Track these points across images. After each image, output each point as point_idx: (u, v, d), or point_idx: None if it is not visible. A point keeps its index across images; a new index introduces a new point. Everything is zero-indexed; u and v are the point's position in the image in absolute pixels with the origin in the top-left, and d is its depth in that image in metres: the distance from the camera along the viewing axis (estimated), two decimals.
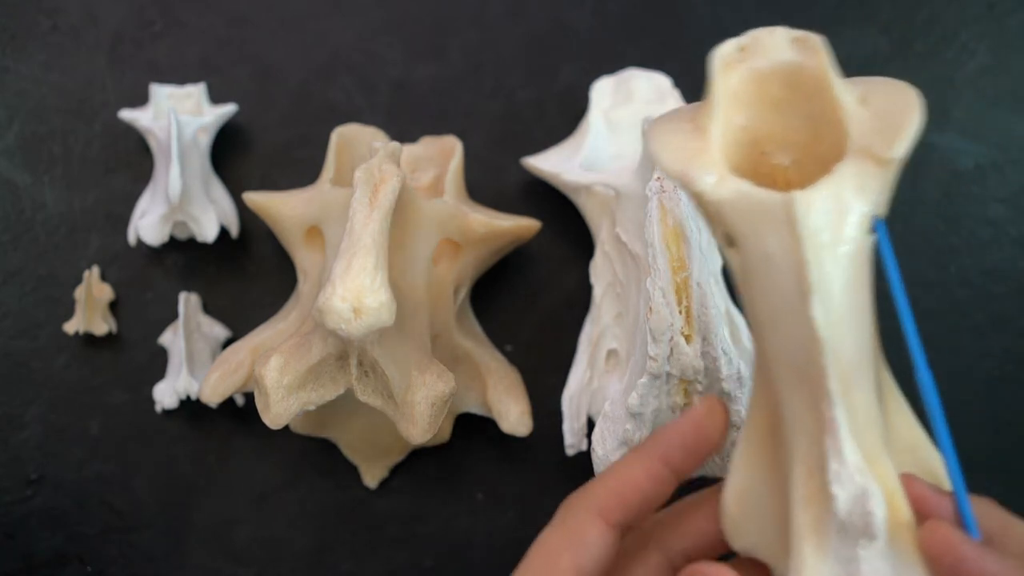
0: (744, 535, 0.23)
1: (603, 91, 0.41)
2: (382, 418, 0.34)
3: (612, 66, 0.42)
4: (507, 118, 0.43)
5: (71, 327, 0.40)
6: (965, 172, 0.42)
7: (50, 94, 0.43)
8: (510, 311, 0.41)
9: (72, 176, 0.42)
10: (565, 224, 0.41)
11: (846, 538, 0.21)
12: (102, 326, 0.40)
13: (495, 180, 0.42)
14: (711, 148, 0.24)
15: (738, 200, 0.23)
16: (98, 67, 0.43)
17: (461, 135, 0.40)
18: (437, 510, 0.40)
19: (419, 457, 0.40)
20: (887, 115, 0.23)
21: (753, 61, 0.25)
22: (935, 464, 0.24)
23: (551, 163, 0.40)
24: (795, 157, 0.25)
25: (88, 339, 0.41)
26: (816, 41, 0.24)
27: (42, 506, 0.40)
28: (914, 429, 0.24)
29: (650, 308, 0.31)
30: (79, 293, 0.40)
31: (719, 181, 0.23)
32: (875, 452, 0.21)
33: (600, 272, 0.37)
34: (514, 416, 0.36)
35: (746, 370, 0.35)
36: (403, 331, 0.32)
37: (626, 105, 0.40)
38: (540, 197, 0.42)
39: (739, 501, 0.24)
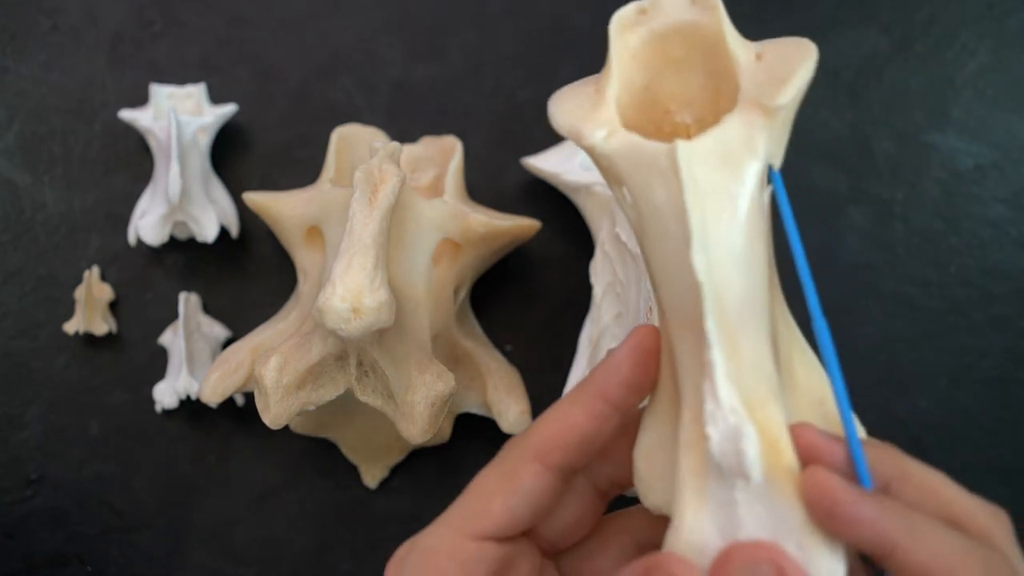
0: (653, 493, 0.24)
1: None
2: (382, 418, 0.34)
3: None
4: (507, 118, 0.43)
5: (71, 327, 0.40)
6: (965, 172, 0.42)
7: (50, 94, 0.43)
8: (510, 311, 0.41)
9: (72, 176, 0.42)
10: (565, 224, 0.41)
11: (724, 481, 0.21)
12: (102, 326, 0.40)
13: (495, 180, 0.42)
14: (606, 106, 0.24)
15: (628, 152, 0.23)
16: (98, 67, 0.43)
17: (461, 135, 0.40)
18: (437, 510, 0.39)
19: (419, 457, 0.40)
20: (778, 67, 0.23)
21: (652, 22, 0.25)
22: (836, 414, 0.24)
23: (551, 163, 0.40)
24: (698, 115, 0.26)
25: (88, 339, 0.41)
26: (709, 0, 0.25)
27: (42, 506, 0.40)
28: (822, 383, 0.24)
29: (650, 308, 0.31)
30: (79, 293, 0.40)
31: (609, 135, 0.24)
32: (761, 398, 0.21)
33: (600, 272, 0.37)
34: (514, 416, 0.36)
35: None
36: (403, 331, 0.32)
37: None
38: (540, 197, 0.42)
39: (648, 459, 0.24)
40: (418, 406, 0.31)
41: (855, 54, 0.43)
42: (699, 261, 0.21)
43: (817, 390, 0.24)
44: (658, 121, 0.26)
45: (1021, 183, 0.41)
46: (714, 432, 0.21)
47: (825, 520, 0.20)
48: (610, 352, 0.25)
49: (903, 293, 0.41)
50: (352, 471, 0.40)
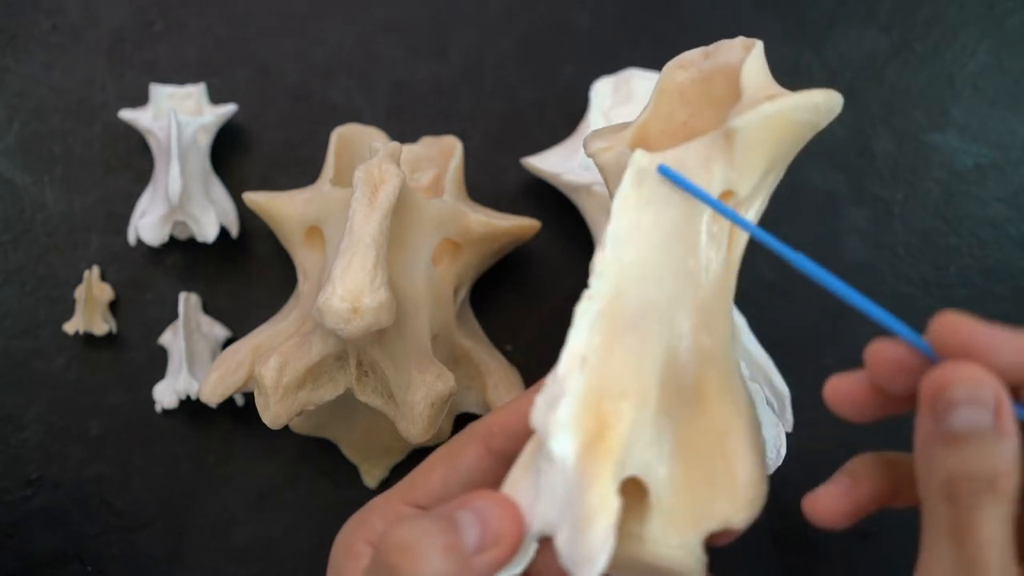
0: None
1: (603, 91, 0.41)
2: (382, 418, 0.34)
3: (612, 66, 0.42)
4: (507, 118, 0.43)
5: (71, 327, 0.40)
6: (965, 172, 0.42)
7: (50, 94, 0.43)
8: (510, 311, 0.41)
9: (72, 176, 0.42)
10: (565, 224, 0.41)
11: (541, 449, 0.22)
12: (102, 326, 0.40)
13: (495, 180, 0.42)
14: (628, 129, 0.26)
15: (615, 165, 0.25)
16: (98, 67, 0.43)
17: (461, 135, 0.40)
18: None
19: (419, 457, 0.40)
20: (762, 102, 0.24)
21: (705, 63, 0.27)
22: (734, 454, 0.23)
23: (551, 163, 0.40)
24: None
25: (88, 339, 0.41)
26: (753, 44, 0.26)
27: (42, 506, 0.40)
28: (735, 419, 0.24)
29: None
30: (79, 293, 0.40)
31: (607, 148, 0.26)
32: (617, 393, 0.22)
33: None
34: None
35: (745, 370, 0.35)
36: (403, 331, 0.32)
37: (626, 105, 0.40)
38: (540, 197, 0.42)
39: None
40: (418, 406, 0.31)
41: (855, 54, 0.43)
42: (605, 251, 0.23)
43: (723, 422, 0.24)
44: None
45: (1021, 183, 0.41)
46: (540, 400, 0.22)
47: (959, 352, 0.20)
48: None
49: (903, 293, 0.41)
50: (352, 471, 0.40)
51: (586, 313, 0.22)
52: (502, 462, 0.25)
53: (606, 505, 0.20)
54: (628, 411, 0.22)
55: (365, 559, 0.25)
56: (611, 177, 0.26)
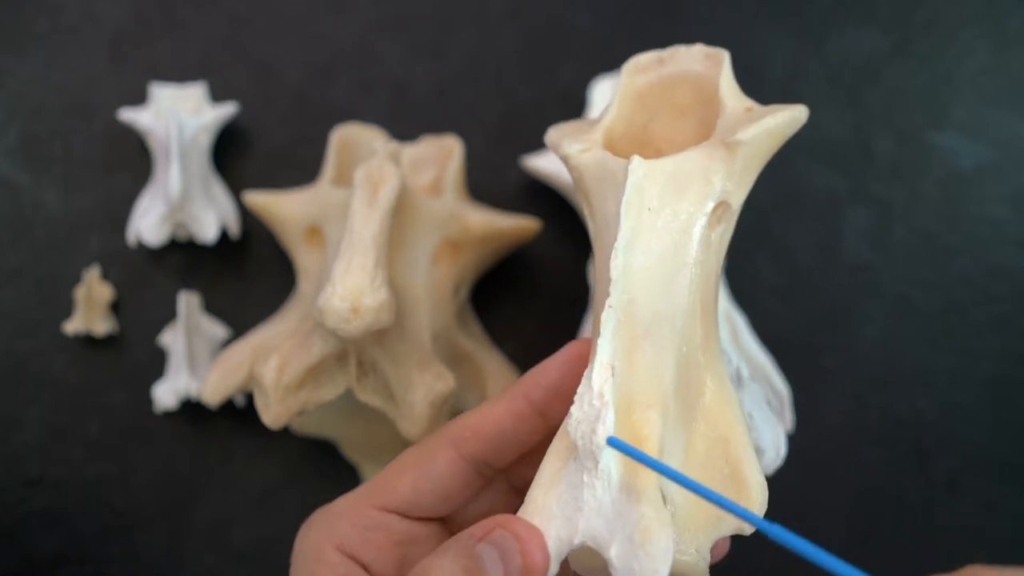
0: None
1: (603, 91, 0.41)
2: (382, 418, 0.34)
3: (612, 66, 0.42)
4: (507, 118, 0.43)
5: (71, 327, 0.40)
6: (965, 172, 0.42)
7: (50, 94, 0.43)
8: (510, 311, 0.41)
9: (72, 176, 0.42)
10: (565, 224, 0.41)
11: (578, 462, 0.22)
12: (102, 326, 0.40)
13: (495, 180, 0.42)
14: (595, 130, 0.26)
15: (596, 167, 0.25)
16: (98, 67, 0.43)
17: (461, 135, 0.40)
18: None
19: None
20: (755, 115, 0.25)
21: (663, 68, 0.27)
22: (739, 459, 0.24)
23: (551, 163, 0.40)
24: None
25: (88, 339, 0.41)
26: (720, 55, 0.26)
27: (42, 506, 0.40)
28: (733, 423, 0.24)
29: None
30: (79, 293, 0.40)
31: (584, 150, 0.26)
32: (645, 403, 0.22)
33: None
34: None
35: (745, 370, 0.35)
36: (403, 331, 0.32)
37: None
38: (540, 197, 0.42)
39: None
40: (418, 406, 0.31)
41: (855, 54, 0.43)
42: (618, 259, 0.23)
43: (724, 427, 0.24)
44: (648, 158, 0.28)
45: (1021, 183, 0.41)
46: (576, 411, 0.22)
47: None
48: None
49: (903, 293, 0.41)
50: (352, 471, 0.40)
51: (608, 321, 0.22)
52: (474, 466, 0.25)
53: (663, 517, 0.20)
54: (657, 420, 0.22)
55: (341, 568, 0.24)
56: (590, 179, 0.25)
